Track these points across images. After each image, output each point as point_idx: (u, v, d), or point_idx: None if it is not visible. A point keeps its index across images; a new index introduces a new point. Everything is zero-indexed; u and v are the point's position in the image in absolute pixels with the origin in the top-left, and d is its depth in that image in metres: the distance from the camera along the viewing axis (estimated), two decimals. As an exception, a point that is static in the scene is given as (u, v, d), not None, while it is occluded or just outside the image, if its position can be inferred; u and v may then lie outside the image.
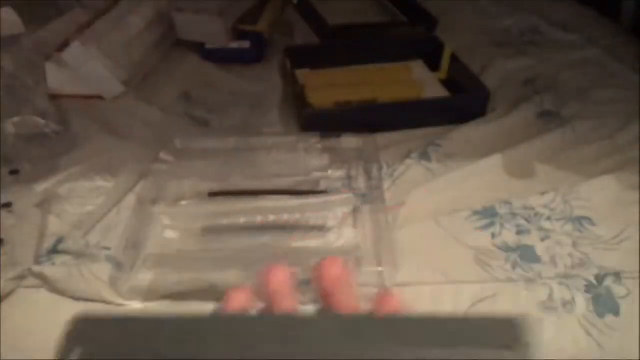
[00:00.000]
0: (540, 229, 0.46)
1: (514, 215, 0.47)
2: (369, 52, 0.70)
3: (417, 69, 0.69)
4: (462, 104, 0.62)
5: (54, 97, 0.64)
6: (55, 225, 0.48)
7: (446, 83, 0.67)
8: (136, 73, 0.68)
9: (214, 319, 0.19)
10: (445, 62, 0.68)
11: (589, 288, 0.41)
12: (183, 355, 0.16)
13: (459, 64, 0.67)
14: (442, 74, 0.68)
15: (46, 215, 0.49)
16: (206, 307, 0.42)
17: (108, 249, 0.46)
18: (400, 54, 0.71)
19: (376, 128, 0.57)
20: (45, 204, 0.50)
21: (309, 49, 0.74)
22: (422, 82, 0.65)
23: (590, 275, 0.42)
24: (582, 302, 0.41)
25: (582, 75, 0.66)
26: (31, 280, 0.44)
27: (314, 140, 0.54)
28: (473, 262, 0.44)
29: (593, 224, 0.46)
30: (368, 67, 0.68)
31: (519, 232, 0.46)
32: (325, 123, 0.58)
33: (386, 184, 0.51)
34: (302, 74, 0.66)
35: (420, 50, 0.72)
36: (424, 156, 0.54)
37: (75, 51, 0.62)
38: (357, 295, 0.21)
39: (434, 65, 0.69)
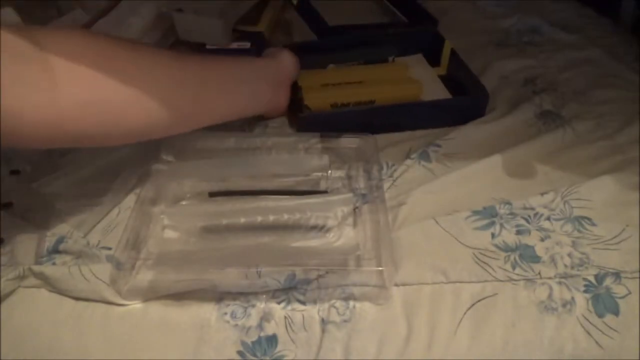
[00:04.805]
0: (540, 228, 0.46)
1: (513, 215, 0.47)
2: (369, 47, 0.69)
3: (416, 64, 0.68)
4: (461, 106, 0.62)
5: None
6: (55, 225, 0.48)
7: (445, 79, 0.66)
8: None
9: None
10: (445, 57, 0.68)
11: (588, 288, 0.42)
12: None
13: (458, 60, 0.66)
14: (442, 69, 0.68)
15: (46, 215, 0.49)
16: (206, 307, 0.43)
17: (108, 248, 0.46)
18: (400, 48, 0.70)
19: (374, 130, 0.57)
20: (45, 203, 0.50)
21: (307, 47, 0.72)
22: (421, 79, 0.64)
23: (590, 275, 0.42)
24: (582, 301, 0.41)
25: (582, 75, 0.66)
26: (31, 280, 0.44)
27: (313, 140, 0.54)
28: (473, 262, 0.44)
29: (593, 224, 0.46)
30: (366, 65, 0.67)
31: (518, 232, 0.46)
32: (321, 126, 0.57)
33: (386, 184, 0.51)
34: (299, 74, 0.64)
35: (420, 45, 0.71)
36: (424, 156, 0.54)
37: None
38: None
39: (434, 60, 0.69)
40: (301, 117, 0.59)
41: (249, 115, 0.56)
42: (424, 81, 0.64)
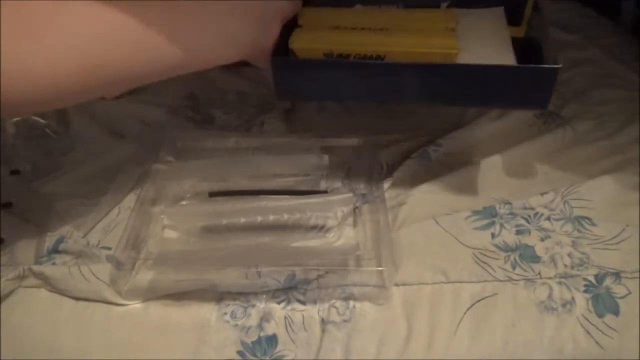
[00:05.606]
0: (540, 228, 0.46)
1: (513, 215, 0.47)
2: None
3: (489, 18, 0.48)
4: (506, 79, 0.41)
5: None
6: (55, 225, 0.48)
7: (525, 44, 0.47)
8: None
9: None
10: (527, 15, 0.49)
11: (588, 288, 0.42)
12: None
13: (541, 20, 0.47)
14: (521, 30, 0.49)
15: (46, 215, 0.49)
16: (206, 307, 0.43)
17: (108, 248, 0.46)
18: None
19: (379, 97, 0.44)
20: (45, 203, 0.50)
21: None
22: (482, 39, 0.46)
23: (590, 275, 0.42)
24: (581, 301, 0.41)
25: (582, 75, 0.66)
26: (31, 280, 0.45)
27: (313, 140, 0.54)
28: (473, 262, 0.44)
29: (593, 224, 0.46)
30: (401, 9, 0.50)
31: (518, 232, 0.46)
32: (301, 80, 0.43)
33: (386, 184, 0.51)
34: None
35: None
36: (424, 156, 0.54)
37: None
38: None
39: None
40: (274, 61, 0.42)
41: (224, 63, 0.43)
42: (487, 42, 0.45)
